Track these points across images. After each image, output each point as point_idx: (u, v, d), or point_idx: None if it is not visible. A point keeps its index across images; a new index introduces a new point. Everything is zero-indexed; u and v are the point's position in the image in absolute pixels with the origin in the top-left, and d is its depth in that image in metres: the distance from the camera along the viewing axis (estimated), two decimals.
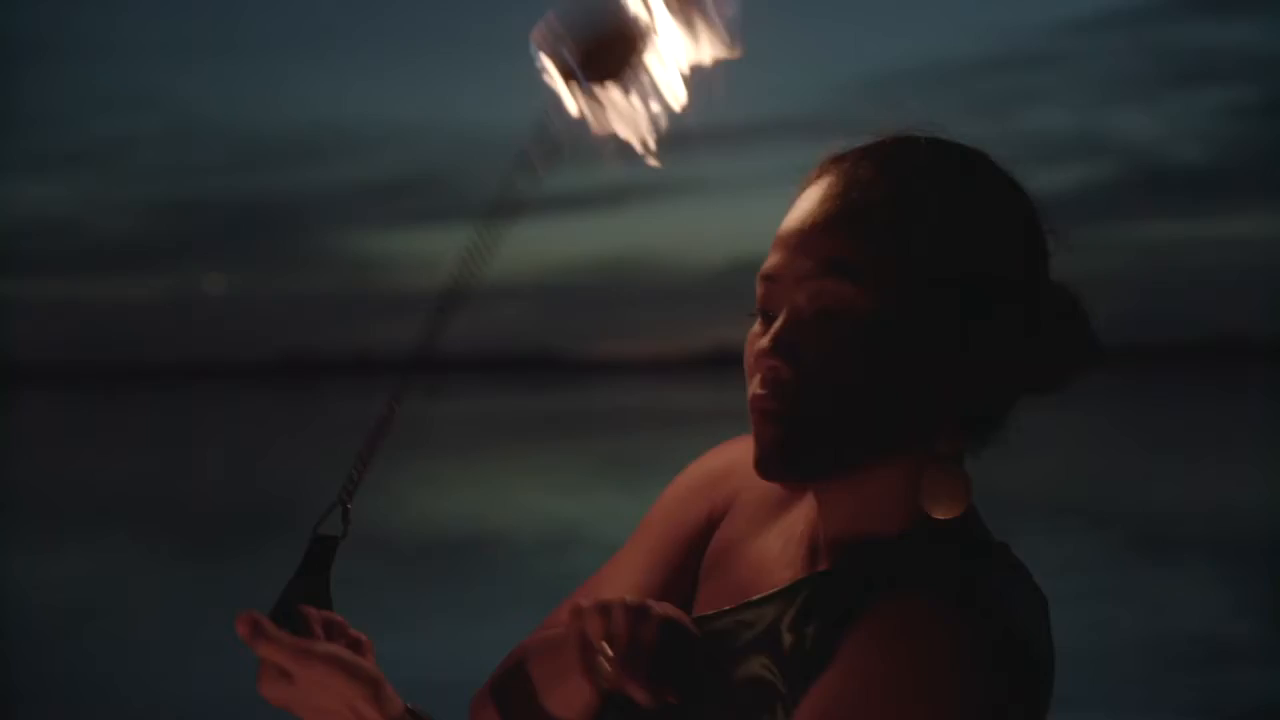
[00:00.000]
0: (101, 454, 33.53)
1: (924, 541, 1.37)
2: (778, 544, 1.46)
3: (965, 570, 1.33)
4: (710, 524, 1.53)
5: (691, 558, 1.53)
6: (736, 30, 1.39)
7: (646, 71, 1.39)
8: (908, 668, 1.23)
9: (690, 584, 1.52)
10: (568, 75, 1.37)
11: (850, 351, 1.34)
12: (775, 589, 1.41)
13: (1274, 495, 19.31)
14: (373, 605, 11.38)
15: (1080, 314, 1.41)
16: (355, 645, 1.46)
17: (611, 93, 1.38)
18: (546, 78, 1.38)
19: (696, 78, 1.40)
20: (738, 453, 1.55)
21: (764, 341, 1.37)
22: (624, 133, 1.39)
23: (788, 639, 1.37)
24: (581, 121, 1.38)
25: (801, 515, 1.46)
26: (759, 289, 1.41)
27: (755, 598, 1.42)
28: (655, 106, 1.39)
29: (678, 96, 1.40)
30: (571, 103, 1.38)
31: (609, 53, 1.37)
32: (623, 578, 1.54)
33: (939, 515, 1.35)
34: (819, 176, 1.43)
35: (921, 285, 1.35)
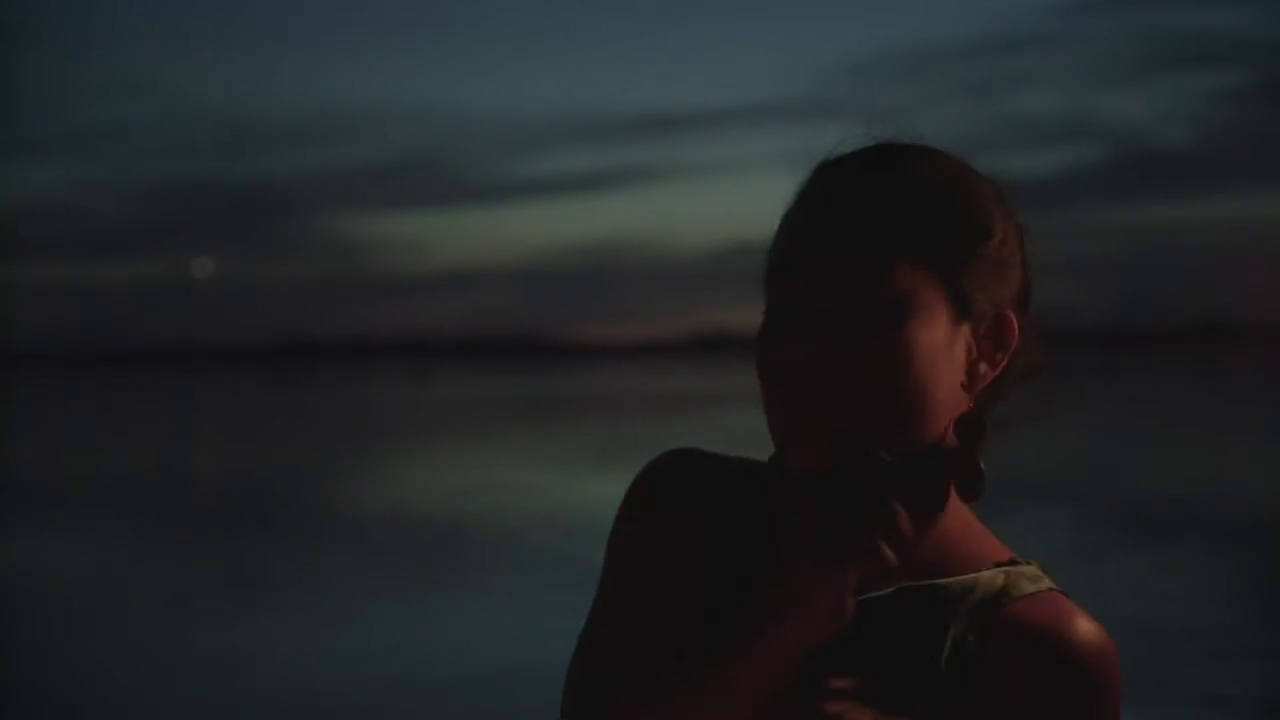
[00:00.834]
0: (93, 438, 33.53)
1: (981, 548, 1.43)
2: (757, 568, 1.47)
3: (1028, 566, 1.41)
4: (673, 550, 1.51)
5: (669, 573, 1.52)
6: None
7: None
8: (1086, 667, 1.36)
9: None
10: None
11: (882, 343, 1.36)
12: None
13: (1266, 477, 19.38)
14: (362, 588, 11.38)
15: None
16: None
17: None
18: None
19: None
20: (665, 480, 1.54)
21: (793, 344, 1.38)
22: None
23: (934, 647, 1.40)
24: None
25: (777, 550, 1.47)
26: (773, 287, 1.42)
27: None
28: None
29: None
30: None
31: None
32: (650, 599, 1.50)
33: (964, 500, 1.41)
34: (827, 177, 1.44)
35: (942, 278, 1.38)
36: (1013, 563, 1.40)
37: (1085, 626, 1.37)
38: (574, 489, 18.72)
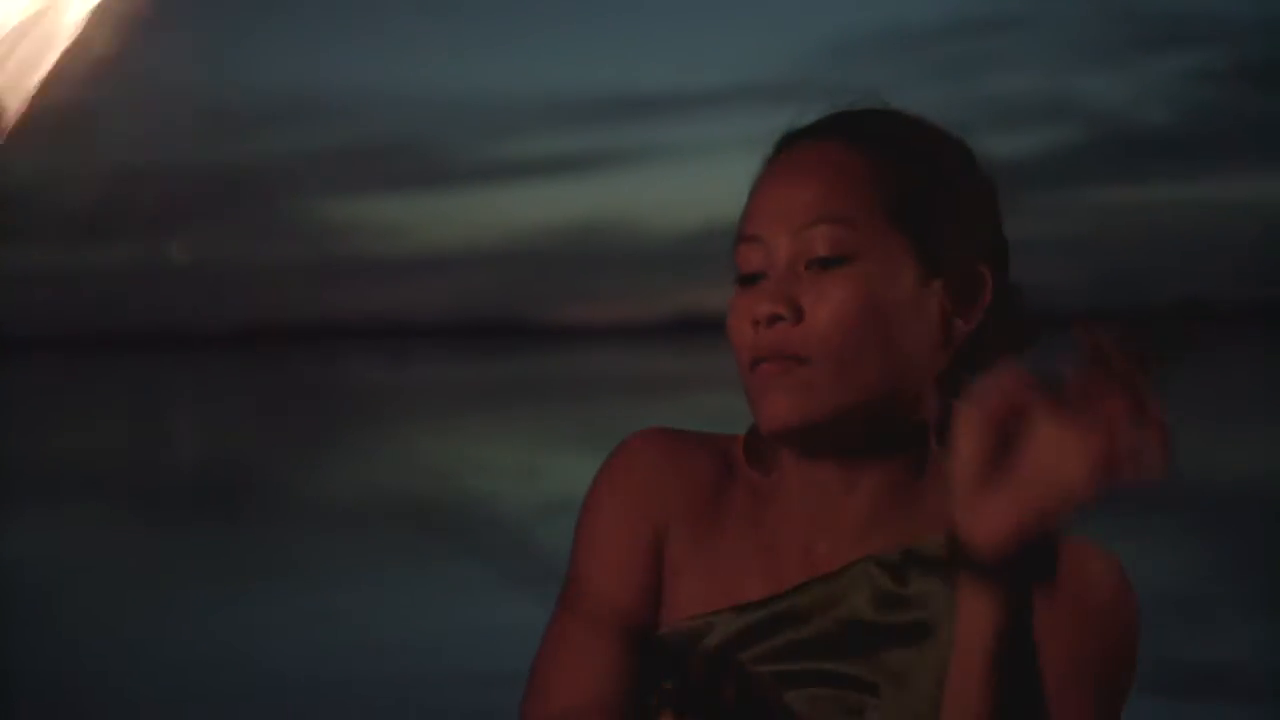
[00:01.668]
0: (70, 422, 33.41)
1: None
2: (747, 545, 1.47)
3: None
4: (657, 535, 1.51)
5: (656, 563, 1.51)
6: None
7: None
8: (1113, 603, 1.44)
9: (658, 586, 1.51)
10: None
11: (848, 294, 1.36)
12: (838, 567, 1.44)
13: (1249, 456, 19.43)
14: (345, 573, 11.36)
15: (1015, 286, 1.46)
16: None
17: None
18: None
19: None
20: (652, 460, 1.53)
21: (761, 299, 1.38)
22: None
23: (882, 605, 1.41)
24: None
25: (767, 525, 1.47)
26: (742, 253, 1.42)
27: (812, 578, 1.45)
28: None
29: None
30: None
31: None
32: (612, 593, 1.49)
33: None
34: (790, 146, 1.44)
35: (909, 233, 1.39)
36: None
37: (1100, 569, 1.44)
38: (556, 469, 18.69)
